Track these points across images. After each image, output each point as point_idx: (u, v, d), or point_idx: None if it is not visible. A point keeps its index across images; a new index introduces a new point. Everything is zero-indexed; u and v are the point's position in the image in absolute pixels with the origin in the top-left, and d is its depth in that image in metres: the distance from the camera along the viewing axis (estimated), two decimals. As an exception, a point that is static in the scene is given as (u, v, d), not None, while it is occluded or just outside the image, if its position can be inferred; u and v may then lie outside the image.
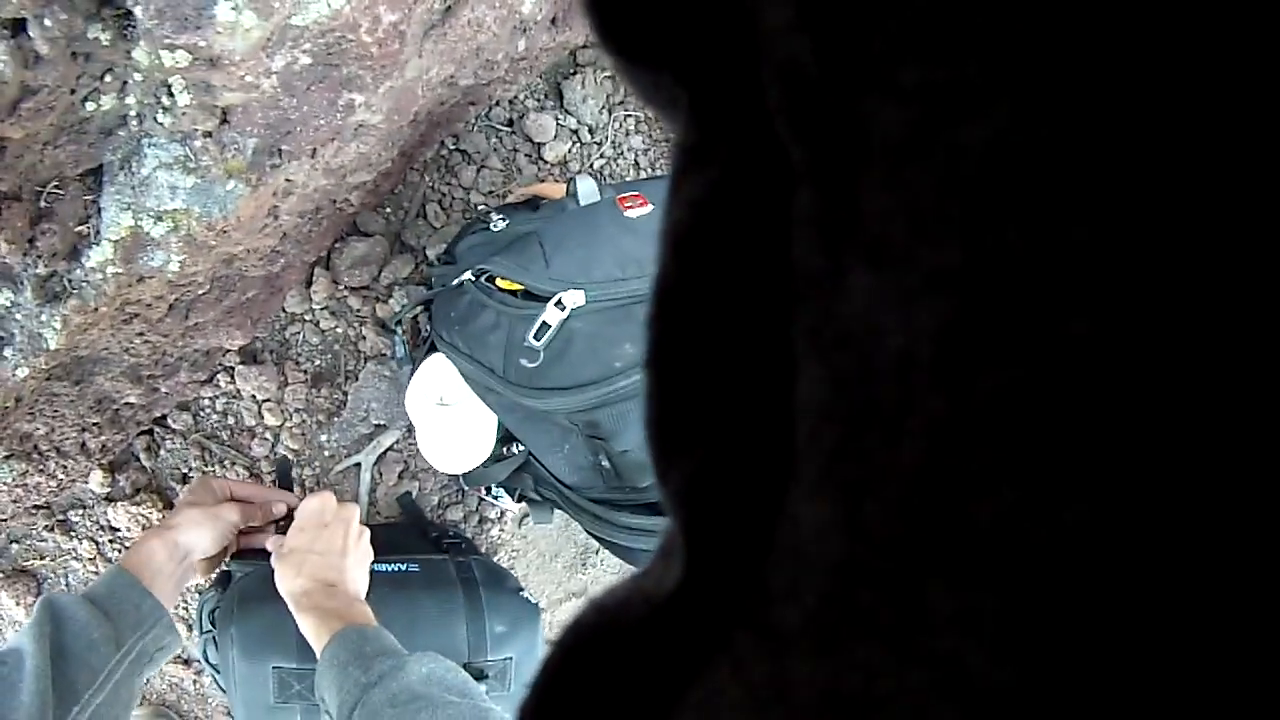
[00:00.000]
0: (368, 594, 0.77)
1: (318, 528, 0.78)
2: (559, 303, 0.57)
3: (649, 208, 0.65)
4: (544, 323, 0.57)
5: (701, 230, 0.17)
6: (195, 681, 1.08)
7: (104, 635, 0.69)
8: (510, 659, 0.86)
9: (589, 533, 0.73)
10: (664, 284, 0.18)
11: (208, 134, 0.50)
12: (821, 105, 0.14)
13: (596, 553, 1.19)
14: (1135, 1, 0.11)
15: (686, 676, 0.17)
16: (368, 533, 0.80)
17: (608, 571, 1.22)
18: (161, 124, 0.49)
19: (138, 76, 0.44)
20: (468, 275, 0.63)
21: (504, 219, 0.68)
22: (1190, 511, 0.11)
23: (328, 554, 0.77)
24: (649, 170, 1.04)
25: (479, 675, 0.84)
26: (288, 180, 0.56)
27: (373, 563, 0.79)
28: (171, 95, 0.46)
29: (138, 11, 0.39)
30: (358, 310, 0.93)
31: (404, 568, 0.83)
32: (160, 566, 0.75)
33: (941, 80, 0.12)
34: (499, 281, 0.62)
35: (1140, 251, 0.11)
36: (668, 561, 0.19)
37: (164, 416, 0.95)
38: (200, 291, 0.69)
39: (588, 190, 0.68)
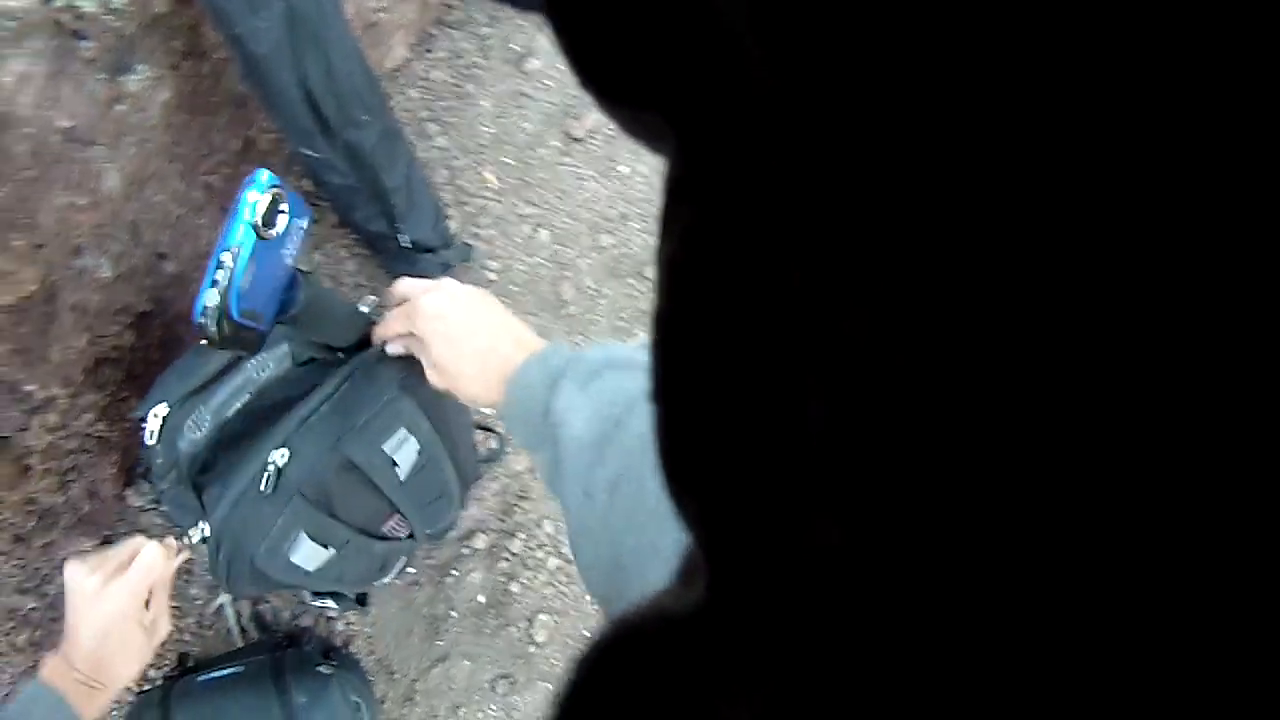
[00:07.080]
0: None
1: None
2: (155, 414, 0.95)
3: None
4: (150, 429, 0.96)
5: (694, 259, 0.17)
6: None
7: None
8: (316, 723, 1.13)
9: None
10: (664, 313, 0.18)
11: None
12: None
13: (444, 619, 1.39)
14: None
15: (710, 690, 0.18)
16: None
17: (466, 631, 1.41)
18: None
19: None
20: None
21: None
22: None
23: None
24: (366, 284, 1.34)
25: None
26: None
27: (205, 673, 1.11)
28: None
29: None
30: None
31: (230, 671, 1.14)
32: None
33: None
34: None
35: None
36: (689, 580, 0.19)
37: (65, 608, 1.29)
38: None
39: None
